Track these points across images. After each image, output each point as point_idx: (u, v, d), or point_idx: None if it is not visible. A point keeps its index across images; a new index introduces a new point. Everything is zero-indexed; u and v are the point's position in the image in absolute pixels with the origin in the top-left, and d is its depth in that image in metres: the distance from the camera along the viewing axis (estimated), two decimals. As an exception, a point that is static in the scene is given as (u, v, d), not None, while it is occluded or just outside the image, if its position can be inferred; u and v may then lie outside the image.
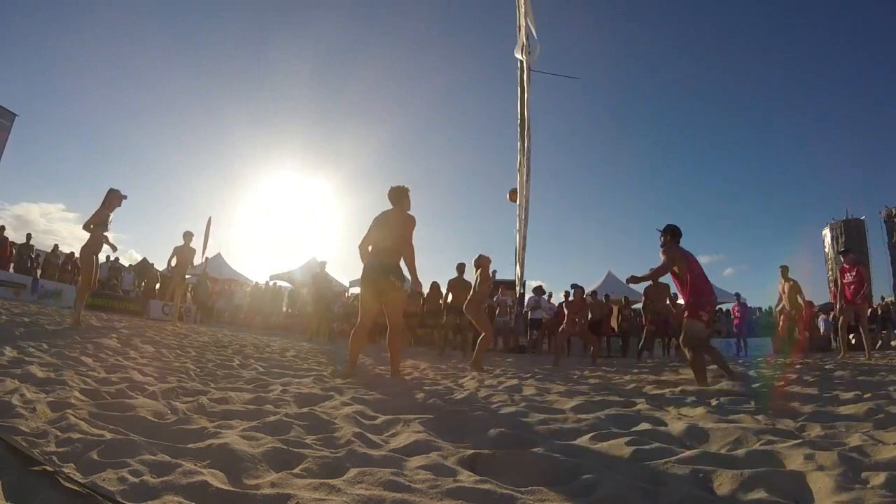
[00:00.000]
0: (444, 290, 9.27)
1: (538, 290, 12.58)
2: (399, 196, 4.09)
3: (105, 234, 6.26)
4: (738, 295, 13.54)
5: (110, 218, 6.29)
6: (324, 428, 1.97)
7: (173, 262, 8.62)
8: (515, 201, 7.02)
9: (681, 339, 4.13)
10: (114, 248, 6.59)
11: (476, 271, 6.20)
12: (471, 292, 6.18)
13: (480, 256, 6.29)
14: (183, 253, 8.65)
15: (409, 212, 4.13)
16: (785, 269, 8.97)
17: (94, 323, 6.80)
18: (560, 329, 8.27)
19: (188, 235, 8.74)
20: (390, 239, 3.90)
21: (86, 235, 6.17)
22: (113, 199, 6.22)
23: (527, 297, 14.77)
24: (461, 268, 8.87)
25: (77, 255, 16.40)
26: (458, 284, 8.80)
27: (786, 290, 8.95)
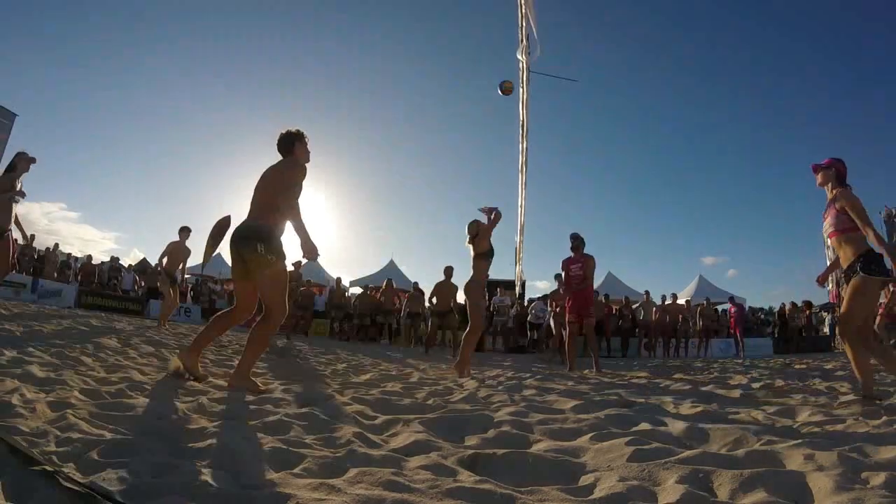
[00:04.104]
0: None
1: (546, 299, 12.31)
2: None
3: (14, 202, 5.41)
4: (731, 298, 14.00)
5: (19, 185, 5.48)
6: (324, 428, 1.97)
7: (164, 261, 7.73)
8: (510, 93, 6.20)
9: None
10: (25, 236, 5.79)
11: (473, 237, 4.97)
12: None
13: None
14: (176, 251, 7.78)
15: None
16: None
17: (94, 323, 6.80)
18: (553, 323, 8.19)
19: (185, 232, 7.80)
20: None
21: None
22: (21, 163, 5.48)
23: (527, 298, 14.77)
24: (448, 271, 8.80)
25: (78, 255, 16.14)
26: (444, 287, 8.77)
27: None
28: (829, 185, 3.17)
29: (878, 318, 7.92)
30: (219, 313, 3.15)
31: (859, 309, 2.98)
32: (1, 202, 5.30)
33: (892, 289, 7.91)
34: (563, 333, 7.77)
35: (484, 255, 4.84)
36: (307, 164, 3.07)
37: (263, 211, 2.85)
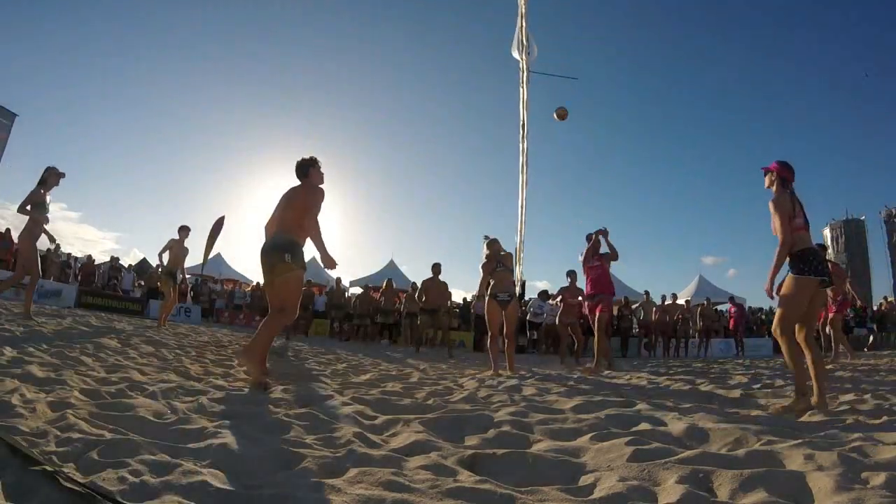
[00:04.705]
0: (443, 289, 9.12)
1: (543, 295, 12.19)
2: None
3: (45, 216, 5.70)
4: (731, 298, 14.02)
5: (48, 199, 5.74)
6: (324, 428, 1.97)
7: (164, 256, 7.64)
8: (564, 117, 6.20)
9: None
10: (52, 240, 6.01)
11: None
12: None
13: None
14: (177, 248, 7.67)
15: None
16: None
17: (94, 323, 6.80)
18: (558, 321, 8.27)
19: (185, 231, 7.73)
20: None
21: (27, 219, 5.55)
22: (50, 177, 5.68)
23: (528, 297, 14.77)
24: (436, 268, 8.84)
25: (79, 255, 16.18)
26: (432, 285, 8.81)
27: None
28: (774, 187, 3.21)
29: (822, 317, 7.66)
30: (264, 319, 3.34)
31: (788, 307, 3.00)
32: (39, 220, 5.67)
33: (849, 290, 7.76)
34: (569, 334, 7.97)
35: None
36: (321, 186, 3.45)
37: (291, 227, 3.24)
